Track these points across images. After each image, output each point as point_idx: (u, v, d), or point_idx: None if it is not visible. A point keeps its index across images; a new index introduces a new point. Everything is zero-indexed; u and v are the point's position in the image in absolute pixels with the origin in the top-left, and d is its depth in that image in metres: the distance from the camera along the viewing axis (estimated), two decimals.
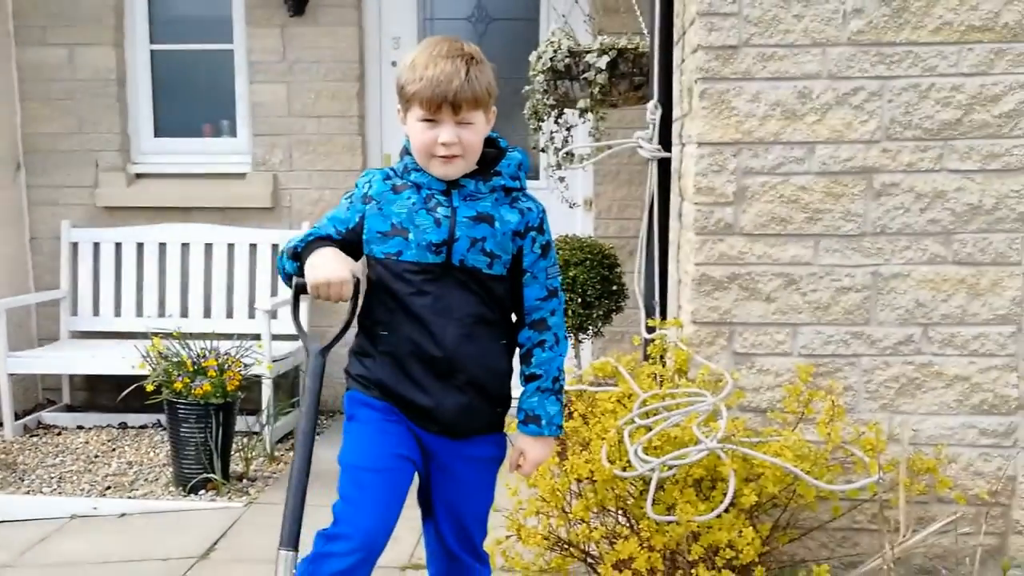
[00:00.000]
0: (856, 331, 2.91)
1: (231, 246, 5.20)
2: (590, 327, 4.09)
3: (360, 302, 2.11)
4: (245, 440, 4.36)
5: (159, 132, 5.47)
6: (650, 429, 2.60)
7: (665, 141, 3.40)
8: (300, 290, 2.10)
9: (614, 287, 4.07)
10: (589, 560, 2.82)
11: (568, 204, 4.40)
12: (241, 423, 4.39)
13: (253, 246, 5.21)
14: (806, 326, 2.93)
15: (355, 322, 2.20)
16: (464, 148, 2.05)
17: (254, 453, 4.43)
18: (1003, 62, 2.77)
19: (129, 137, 5.42)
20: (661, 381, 2.93)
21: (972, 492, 2.87)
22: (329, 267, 2.02)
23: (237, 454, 4.26)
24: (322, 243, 2.09)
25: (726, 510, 2.50)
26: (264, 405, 4.56)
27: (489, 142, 2.15)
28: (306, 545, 2.04)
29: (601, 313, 4.04)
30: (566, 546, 2.84)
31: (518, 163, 2.18)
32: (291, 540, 1.95)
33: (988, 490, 2.88)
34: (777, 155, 2.87)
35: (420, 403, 2.11)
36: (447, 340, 2.09)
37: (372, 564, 2.09)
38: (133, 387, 4.22)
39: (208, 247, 5.20)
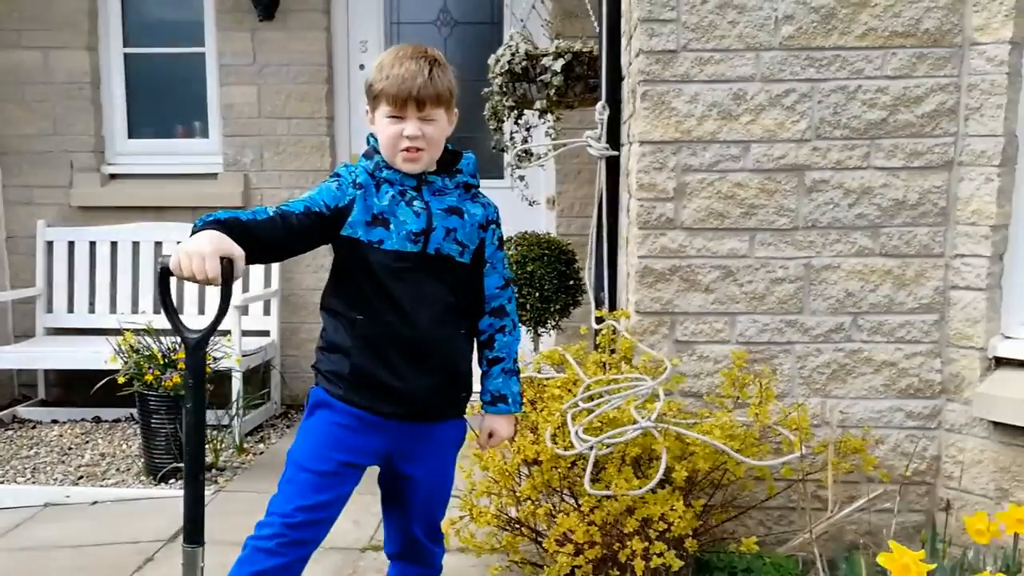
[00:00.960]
0: (790, 320, 3.08)
1: None
2: (548, 320, 4.24)
3: (231, 290, 1.96)
4: (214, 433, 4.49)
5: (133, 134, 5.59)
6: (592, 412, 2.76)
7: (615, 141, 3.56)
8: (164, 271, 1.92)
9: (571, 282, 4.22)
10: (537, 538, 2.96)
11: (528, 202, 4.55)
12: (211, 417, 4.51)
13: None
14: (743, 315, 3.09)
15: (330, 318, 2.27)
16: (427, 142, 2.19)
17: (223, 445, 4.56)
18: (924, 65, 2.94)
19: (103, 138, 5.54)
20: (607, 368, 3.08)
21: (899, 472, 3.04)
22: (194, 243, 1.87)
23: (207, 446, 4.38)
24: (214, 227, 1.93)
25: (661, 486, 2.66)
26: (234, 398, 4.68)
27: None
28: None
29: (559, 307, 4.19)
30: (516, 525, 2.98)
31: (475, 163, 2.35)
32: (195, 537, 1.97)
33: (915, 469, 3.05)
34: (714, 153, 3.04)
35: (394, 385, 2.21)
36: (421, 324, 2.22)
37: (298, 552, 2.19)
38: (105, 380, 4.33)
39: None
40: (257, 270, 5.30)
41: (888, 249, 3.02)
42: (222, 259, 1.87)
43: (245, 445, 4.69)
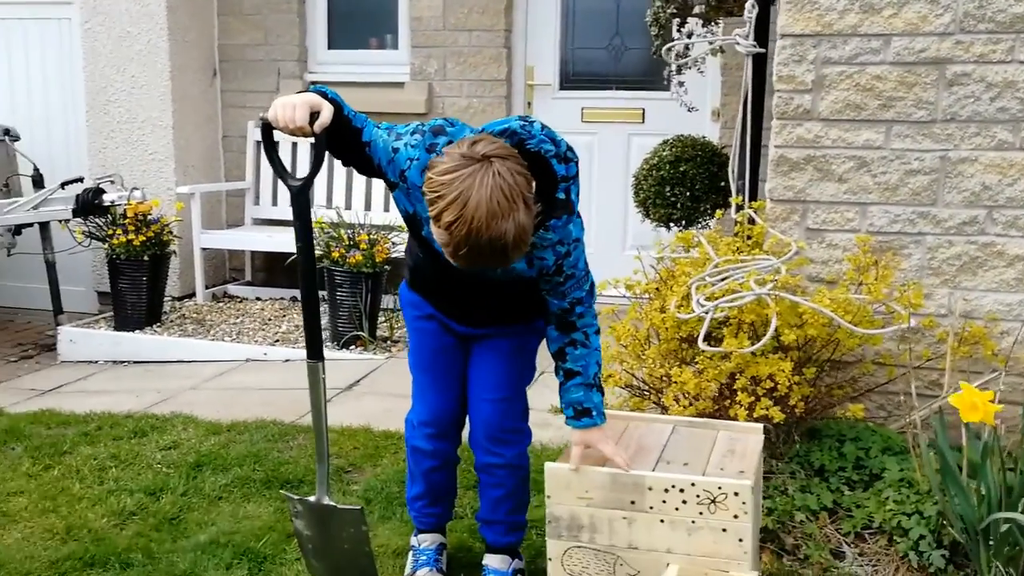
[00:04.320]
0: (923, 211, 3.16)
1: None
2: (698, 220, 4.43)
3: (322, 143, 2.09)
4: (391, 312, 5.01)
5: (332, 45, 6.13)
6: (714, 287, 2.99)
7: (764, 39, 3.69)
8: (265, 124, 2.10)
9: (722, 183, 4.38)
10: (660, 399, 3.24)
11: (687, 108, 4.71)
12: (390, 301, 5.06)
13: None
14: (875, 205, 3.20)
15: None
16: None
17: (399, 324, 5.09)
18: None
19: (307, 48, 6.12)
20: (738, 250, 3.29)
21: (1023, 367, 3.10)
22: (288, 97, 2.02)
23: (385, 323, 4.91)
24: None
25: (774, 352, 2.88)
26: None
27: (539, 163, 2.01)
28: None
29: (708, 207, 4.37)
30: (641, 388, 3.27)
31: (558, 229, 2.08)
32: (317, 353, 2.32)
33: None
34: (854, 46, 3.14)
35: (448, 311, 2.36)
36: (459, 291, 2.28)
37: (447, 437, 2.45)
38: (294, 257, 4.90)
39: None
40: None
41: None
42: (312, 113, 2.01)
43: None
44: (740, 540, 2.14)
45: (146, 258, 4.97)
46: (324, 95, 2.07)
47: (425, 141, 2.06)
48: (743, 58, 3.82)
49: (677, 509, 2.17)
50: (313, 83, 6.10)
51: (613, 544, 2.24)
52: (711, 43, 4.14)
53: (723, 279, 3.03)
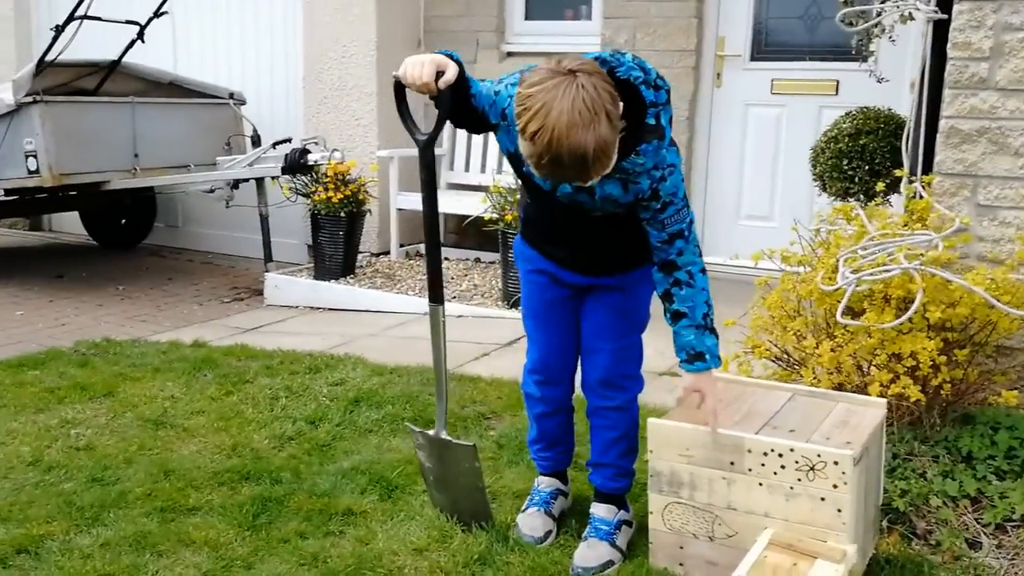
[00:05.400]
0: None
1: None
2: (877, 194, 4.25)
3: (446, 101, 2.15)
4: None
5: (529, 16, 6.30)
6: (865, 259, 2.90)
7: (947, 5, 3.48)
8: (397, 82, 2.20)
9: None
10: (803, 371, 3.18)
11: (877, 79, 4.50)
12: None
13: None
14: None
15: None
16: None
17: None
18: None
19: (504, 20, 6.31)
20: (904, 225, 3.16)
21: None
22: (417, 56, 2.12)
23: None
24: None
25: (924, 330, 2.75)
26: None
27: (628, 90, 2.03)
28: None
29: (888, 182, 4.18)
30: (789, 361, 3.22)
31: (648, 153, 2.08)
32: (437, 298, 2.45)
33: None
34: None
35: (558, 256, 2.42)
36: (566, 230, 2.33)
37: (555, 383, 2.55)
38: (472, 218, 5.15)
39: None
40: None
41: None
42: (438, 73, 2.11)
43: None
44: (839, 511, 2.11)
45: (342, 214, 5.36)
46: (451, 57, 2.18)
47: (520, 79, 2.11)
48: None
49: (775, 474, 2.17)
50: (508, 53, 6.31)
51: (712, 503, 2.26)
52: (899, 8, 3.94)
53: (874, 253, 2.93)
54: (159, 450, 3.10)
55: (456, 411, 3.39)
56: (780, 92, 5.57)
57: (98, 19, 5.22)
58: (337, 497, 2.75)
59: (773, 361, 3.28)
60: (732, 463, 2.21)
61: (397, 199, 6.02)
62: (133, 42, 5.58)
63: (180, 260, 6.81)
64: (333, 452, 3.08)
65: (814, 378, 2.92)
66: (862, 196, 4.27)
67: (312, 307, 5.36)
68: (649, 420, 2.31)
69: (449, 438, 2.53)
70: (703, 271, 2.25)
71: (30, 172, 5.15)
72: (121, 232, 7.11)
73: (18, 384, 3.69)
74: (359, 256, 5.81)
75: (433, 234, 2.46)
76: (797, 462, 2.14)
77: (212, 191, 5.67)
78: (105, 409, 3.45)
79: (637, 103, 2.04)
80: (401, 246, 6.21)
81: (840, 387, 2.87)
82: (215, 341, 4.44)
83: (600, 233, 2.30)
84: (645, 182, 2.11)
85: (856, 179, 4.21)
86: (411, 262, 6.08)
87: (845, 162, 4.24)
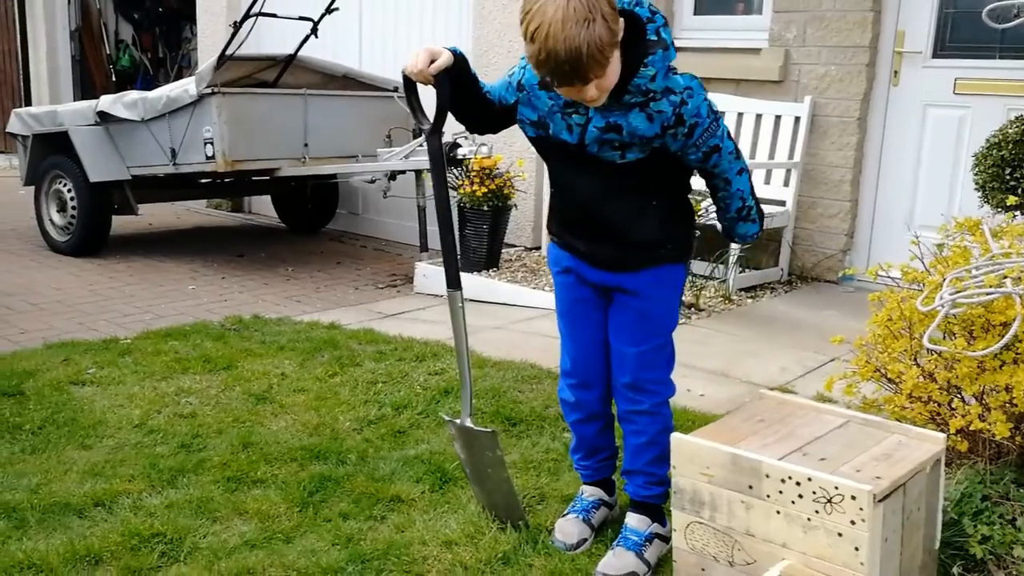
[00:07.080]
0: None
1: (740, 115, 5.71)
2: None
3: (443, 89, 2.27)
4: (702, 280, 4.97)
5: (699, 10, 6.11)
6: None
7: None
8: (405, 75, 2.30)
9: None
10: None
11: None
12: (705, 268, 5.05)
13: (758, 116, 5.65)
14: None
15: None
16: (600, 93, 2.07)
17: (715, 292, 5.04)
18: None
19: (674, 13, 6.16)
20: None
21: None
22: (417, 47, 2.25)
23: (689, 291, 4.90)
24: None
25: (1014, 361, 2.45)
26: (731, 257, 5.10)
27: (630, 19, 2.08)
28: None
29: None
30: (890, 382, 2.96)
31: (659, 68, 2.09)
32: (454, 283, 2.47)
33: None
34: None
35: (580, 249, 2.40)
36: (588, 205, 2.30)
37: (588, 387, 2.51)
38: None
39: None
40: (784, 142, 5.52)
41: None
42: (431, 61, 2.21)
43: (733, 297, 5.09)
44: (856, 549, 1.92)
45: (486, 208, 5.43)
46: (453, 52, 2.26)
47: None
48: None
49: (793, 503, 2.00)
50: (678, 48, 6.14)
51: (731, 527, 2.13)
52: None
53: (986, 273, 2.63)
54: (251, 423, 3.29)
55: (539, 411, 3.36)
56: (964, 92, 5.11)
57: (274, 16, 5.58)
58: (391, 483, 2.81)
59: (873, 382, 3.03)
60: (751, 487, 2.06)
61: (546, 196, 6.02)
62: (307, 37, 5.92)
63: (355, 246, 7.16)
64: (405, 439, 3.15)
65: (905, 406, 2.67)
66: None
67: None
68: (673, 436, 2.20)
69: (472, 425, 2.53)
70: (740, 172, 2.33)
71: (208, 158, 5.59)
72: (307, 216, 7.56)
73: (156, 353, 4.02)
74: (510, 250, 5.86)
75: (446, 219, 2.46)
76: (815, 492, 1.96)
77: (373, 181, 5.92)
78: (219, 381, 3.69)
79: (636, 26, 2.09)
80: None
81: (933, 418, 2.62)
82: (352, 324, 4.64)
83: (618, 212, 2.28)
84: (667, 107, 2.12)
85: (1020, 190, 3.80)
86: None
87: (1008, 171, 3.84)
